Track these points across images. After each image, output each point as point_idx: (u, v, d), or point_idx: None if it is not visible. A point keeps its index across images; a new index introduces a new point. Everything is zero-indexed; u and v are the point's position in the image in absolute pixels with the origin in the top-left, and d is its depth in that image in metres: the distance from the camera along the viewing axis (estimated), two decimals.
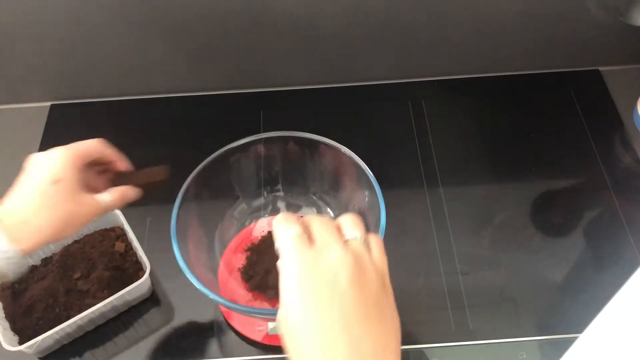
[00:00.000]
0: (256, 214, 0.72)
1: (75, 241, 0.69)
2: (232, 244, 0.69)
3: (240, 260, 0.68)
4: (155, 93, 0.89)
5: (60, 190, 0.46)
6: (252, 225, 0.71)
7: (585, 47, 0.87)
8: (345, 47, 0.84)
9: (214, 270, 0.67)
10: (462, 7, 0.79)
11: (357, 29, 0.81)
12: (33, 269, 0.67)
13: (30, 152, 0.81)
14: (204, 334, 0.66)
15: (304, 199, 0.72)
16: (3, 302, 0.63)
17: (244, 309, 0.56)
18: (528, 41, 0.85)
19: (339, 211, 0.70)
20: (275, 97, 0.88)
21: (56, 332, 0.61)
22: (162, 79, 0.87)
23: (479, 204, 0.76)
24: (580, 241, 0.72)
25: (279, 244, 0.40)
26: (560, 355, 0.43)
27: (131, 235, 0.67)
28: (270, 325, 0.65)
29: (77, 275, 0.66)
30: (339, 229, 0.41)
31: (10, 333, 0.62)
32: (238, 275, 0.67)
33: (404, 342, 0.40)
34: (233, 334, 0.65)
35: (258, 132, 0.67)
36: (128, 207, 0.57)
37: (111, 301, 0.63)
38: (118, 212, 0.68)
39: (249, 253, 0.68)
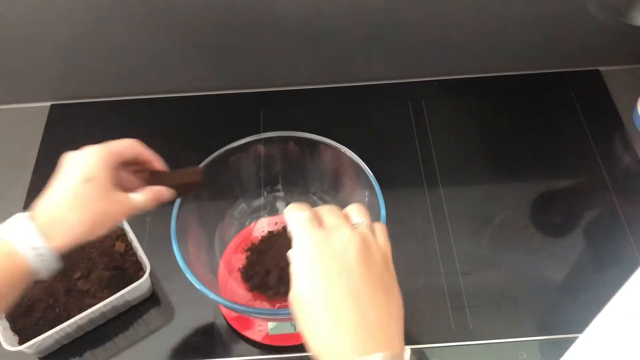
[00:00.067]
0: (256, 214, 0.72)
1: None
2: (232, 244, 0.69)
3: (240, 260, 0.68)
4: (155, 93, 0.89)
5: (93, 188, 0.46)
6: (252, 225, 0.71)
7: (585, 47, 0.87)
8: (345, 47, 0.84)
9: (214, 270, 0.67)
10: (462, 7, 0.79)
11: (357, 29, 0.81)
12: None
13: (30, 152, 0.83)
14: (204, 334, 0.66)
15: (304, 199, 0.72)
16: None
17: (244, 309, 0.56)
18: (528, 41, 0.85)
19: None
20: (275, 97, 0.88)
21: (56, 332, 0.61)
22: (162, 79, 0.87)
23: (479, 204, 0.76)
24: (580, 241, 0.72)
25: (291, 226, 0.43)
26: (560, 355, 0.43)
27: (131, 235, 0.67)
28: (270, 325, 0.65)
29: (77, 275, 0.66)
30: (346, 216, 0.44)
31: (10, 333, 0.62)
32: (238, 275, 0.67)
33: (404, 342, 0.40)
34: (233, 334, 0.65)
35: (258, 132, 0.67)
36: None
37: (111, 301, 0.63)
38: None
39: (249, 253, 0.68)
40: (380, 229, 0.44)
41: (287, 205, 0.72)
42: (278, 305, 0.64)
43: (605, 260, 0.70)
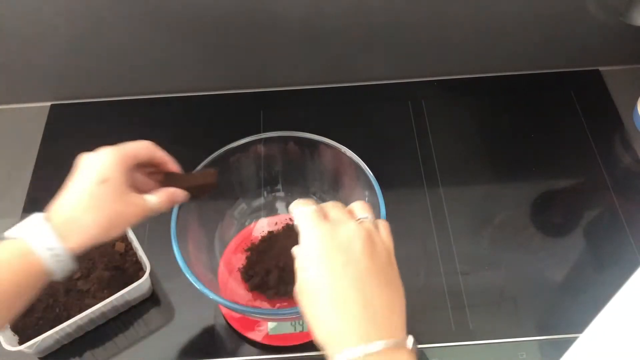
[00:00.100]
0: (256, 214, 0.72)
1: None
2: (232, 244, 0.69)
3: (240, 260, 0.68)
4: (155, 93, 0.89)
5: (108, 189, 0.46)
6: (252, 225, 0.71)
7: (585, 47, 0.87)
8: (345, 47, 0.84)
9: (214, 270, 0.67)
10: (462, 7, 0.79)
11: (357, 29, 0.81)
12: None
13: (30, 152, 0.83)
14: (204, 334, 0.66)
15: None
16: None
17: (244, 309, 0.56)
18: (528, 41, 0.85)
19: None
20: (275, 97, 0.88)
21: (56, 332, 0.61)
22: (162, 79, 0.87)
23: (479, 204, 0.76)
24: (580, 241, 0.72)
25: (298, 220, 0.45)
26: (560, 355, 0.43)
27: (131, 235, 0.67)
28: (270, 325, 0.65)
29: (77, 275, 0.66)
30: (350, 212, 0.46)
31: (10, 333, 0.62)
32: (238, 275, 0.67)
33: None
34: (233, 334, 0.65)
35: (258, 132, 0.67)
36: None
37: (111, 301, 0.63)
38: None
39: (249, 253, 0.68)
40: (384, 225, 0.46)
41: (287, 205, 0.72)
42: (278, 305, 0.64)
43: (605, 260, 0.70)
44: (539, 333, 0.64)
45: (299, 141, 0.67)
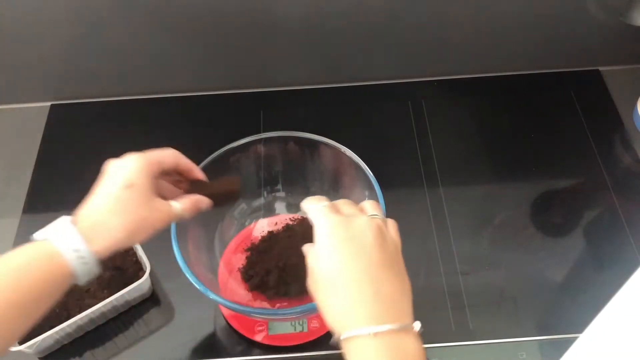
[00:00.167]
0: (256, 214, 0.72)
1: None
2: (232, 244, 0.69)
3: (240, 260, 0.68)
4: (155, 93, 0.89)
5: (133, 195, 0.47)
6: (252, 225, 0.71)
7: (585, 47, 0.87)
8: (345, 47, 0.84)
9: (214, 270, 0.67)
10: (462, 7, 0.79)
11: (357, 29, 0.81)
12: None
13: (30, 152, 0.83)
14: (204, 334, 0.66)
15: (304, 198, 0.72)
16: None
17: (244, 309, 0.57)
18: (528, 41, 0.85)
19: None
20: (275, 97, 0.88)
21: (56, 332, 0.61)
22: (162, 79, 0.87)
23: (479, 204, 0.76)
24: (580, 241, 0.72)
25: (312, 214, 0.47)
26: (560, 355, 0.43)
27: None
28: (270, 325, 0.65)
29: None
30: (361, 209, 0.49)
31: None
32: (238, 275, 0.67)
33: None
34: (233, 334, 0.65)
35: (258, 132, 0.67)
36: None
37: (111, 301, 0.63)
38: None
39: (249, 253, 0.68)
40: (392, 223, 0.48)
41: (287, 205, 0.73)
42: (278, 305, 0.64)
43: (605, 260, 0.70)
44: (539, 333, 0.65)
45: (299, 141, 0.67)
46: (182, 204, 0.51)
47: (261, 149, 0.68)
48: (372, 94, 0.88)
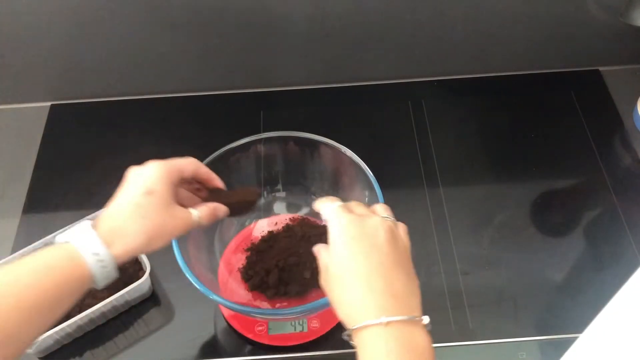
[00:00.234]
0: (256, 214, 0.72)
1: None
2: (232, 244, 0.69)
3: (240, 260, 0.68)
4: (156, 93, 0.89)
5: (153, 201, 0.48)
6: (252, 225, 0.71)
7: (585, 47, 0.87)
8: (345, 47, 0.84)
9: (214, 270, 0.67)
10: (462, 7, 0.79)
11: (357, 29, 0.81)
12: None
13: (30, 152, 0.83)
14: (204, 334, 0.66)
15: (304, 199, 0.72)
16: None
17: (244, 309, 0.57)
18: (528, 41, 0.85)
19: None
20: (275, 97, 0.88)
21: (56, 332, 0.61)
22: (163, 79, 0.87)
23: (479, 204, 0.76)
24: (580, 241, 0.72)
25: (326, 213, 0.49)
26: (560, 355, 0.43)
27: None
28: (270, 325, 0.65)
29: None
30: (372, 211, 0.50)
31: None
32: (238, 275, 0.67)
33: None
34: (233, 334, 0.65)
35: (258, 132, 0.68)
36: None
37: (111, 301, 0.63)
38: None
39: (249, 253, 0.68)
40: (403, 227, 0.50)
41: (287, 205, 0.73)
42: (278, 305, 0.64)
43: (605, 260, 0.70)
44: (539, 333, 0.64)
45: (299, 141, 0.67)
46: (200, 212, 0.52)
47: (261, 149, 0.68)
48: (372, 94, 0.88)
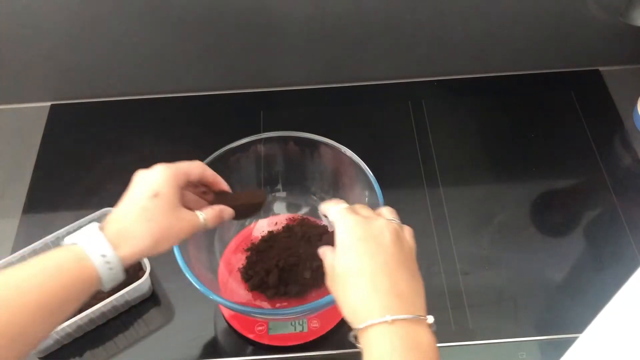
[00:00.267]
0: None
1: None
2: (232, 244, 0.69)
3: (240, 260, 0.68)
4: (156, 93, 0.89)
5: (159, 203, 0.48)
6: (252, 225, 0.71)
7: (585, 47, 0.87)
8: (345, 47, 0.84)
9: (214, 270, 0.67)
10: (462, 7, 0.79)
11: (357, 29, 0.81)
12: None
13: (30, 152, 0.83)
14: (204, 334, 0.66)
15: (304, 199, 0.72)
16: None
17: (244, 309, 0.57)
18: (528, 41, 0.85)
19: None
20: (275, 97, 0.88)
21: (56, 332, 0.61)
22: (163, 79, 0.87)
23: (479, 204, 0.76)
24: (580, 241, 0.72)
25: (332, 214, 0.50)
26: (560, 355, 0.43)
27: None
28: (270, 325, 0.65)
29: None
30: (378, 214, 0.51)
31: None
32: (238, 275, 0.67)
33: None
34: (233, 334, 0.65)
35: (258, 132, 0.68)
36: None
37: (111, 301, 0.63)
38: None
39: (249, 253, 0.68)
40: (408, 229, 0.50)
41: (287, 205, 0.73)
42: (278, 305, 0.64)
43: (605, 260, 0.70)
44: (539, 333, 0.64)
45: (299, 141, 0.67)
46: (206, 214, 0.53)
47: (261, 149, 0.68)
48: (372, 94, 0.88)
